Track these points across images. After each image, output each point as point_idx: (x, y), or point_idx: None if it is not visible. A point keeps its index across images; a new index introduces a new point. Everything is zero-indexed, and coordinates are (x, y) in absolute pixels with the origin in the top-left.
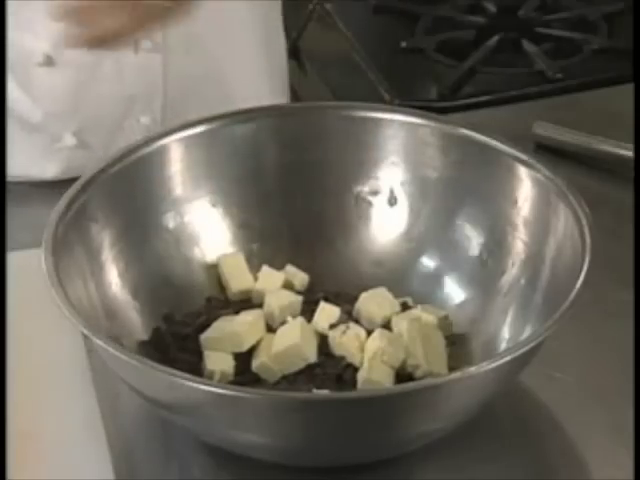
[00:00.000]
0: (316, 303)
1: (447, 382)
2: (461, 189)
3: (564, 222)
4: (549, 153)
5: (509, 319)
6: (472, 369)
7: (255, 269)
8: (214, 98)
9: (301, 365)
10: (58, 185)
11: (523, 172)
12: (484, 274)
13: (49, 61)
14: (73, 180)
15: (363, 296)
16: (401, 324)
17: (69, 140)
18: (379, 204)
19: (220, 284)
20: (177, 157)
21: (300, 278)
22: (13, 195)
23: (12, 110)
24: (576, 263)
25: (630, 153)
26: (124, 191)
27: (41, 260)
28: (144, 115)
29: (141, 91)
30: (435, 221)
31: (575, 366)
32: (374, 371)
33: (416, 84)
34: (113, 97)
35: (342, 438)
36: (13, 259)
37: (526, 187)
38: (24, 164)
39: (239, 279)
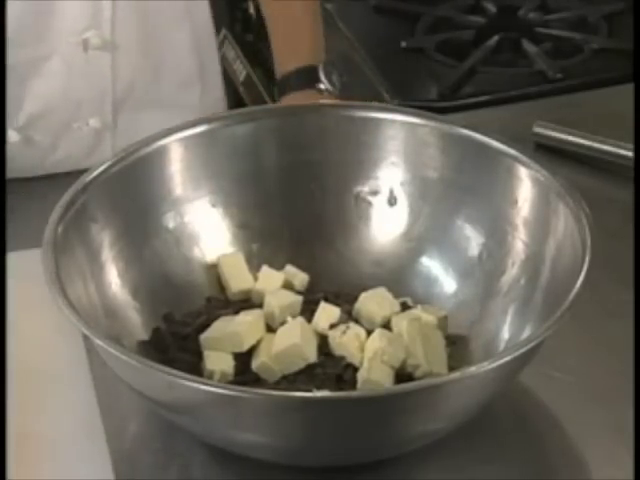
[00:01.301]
0: (316, 303)
1: (447, 382)
2: (461, 189)
3: (564, 222)
4: (549, 153)
5: (509, 319)
6: (472, 369)
7: (255, 269)
8: (163, 99)
9: (301, 365)
10: (58, 185)
11: (523, 172)
12: (484, 274)
13: None
14: (73, 179)
15: (363, 296)
16: (401, 324)
17: (12, 136)
18: (379, 204)
19: (220, 284)
20: (177, 157)
21: (300, 278)
22: (13, 195)
23: None
24: (576, 263)
25: (630, 153)
26: (124, 191)
27: (41, 260)
28: (93, 117)
29: (90, 93)
30: (435, 221)
31: (575, 366)
32: (374, 371)
33: (416, 84)
34: (60, 96)
35: (342, 438)
36: (13, 259)
37: (526, 187)
38: None
39: (239, 279)
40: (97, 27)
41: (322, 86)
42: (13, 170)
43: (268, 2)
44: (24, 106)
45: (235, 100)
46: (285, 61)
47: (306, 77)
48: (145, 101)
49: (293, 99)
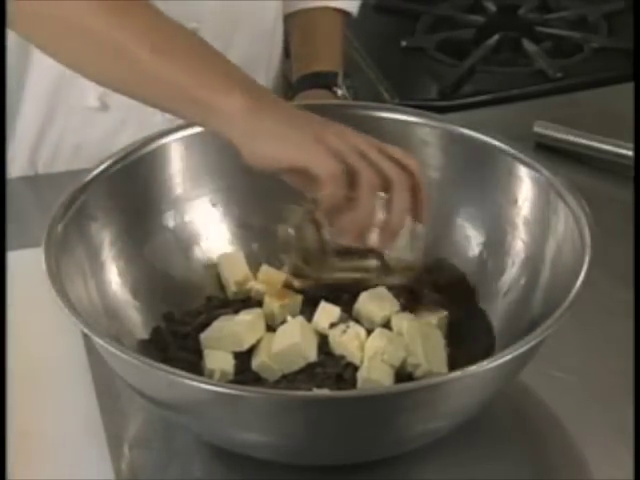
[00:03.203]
0: (316, 302)
1: (447, 381)
2: (461, 188)
3: (564, 222)
4: (549, 152)
5: (509, 318)
6: (472, 368)
7: (255, 268)
8: None
9: (301, 364)
10: (58, 184)
11: (523, 172)
12: (484, 273)
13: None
14: (73, 179)
15: (363, 295)
16: (401, 323)
17: (92, 101)
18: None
19: (220, 283)
20: (177, 157)
21: None
22: (13, 195)
23: None
24: (576, 263)
25: (630, 152)
26: (124, 190)
27: (41, 259)
28: None
29: None
30: (435, 220)
31: (575, 365)
32: (374, 370)
33: (416, 83)
34: None
35: (342, 437)
36: (13, 259)
37: (526, 186)
38: None
39: (239, 278)
40: (197, 20)
41: (339, 91)
42: (90, 135)
43: (292, 11)
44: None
45: None
46: (305, 65)
47: (324, 80)
48: None
49: (307, 96)
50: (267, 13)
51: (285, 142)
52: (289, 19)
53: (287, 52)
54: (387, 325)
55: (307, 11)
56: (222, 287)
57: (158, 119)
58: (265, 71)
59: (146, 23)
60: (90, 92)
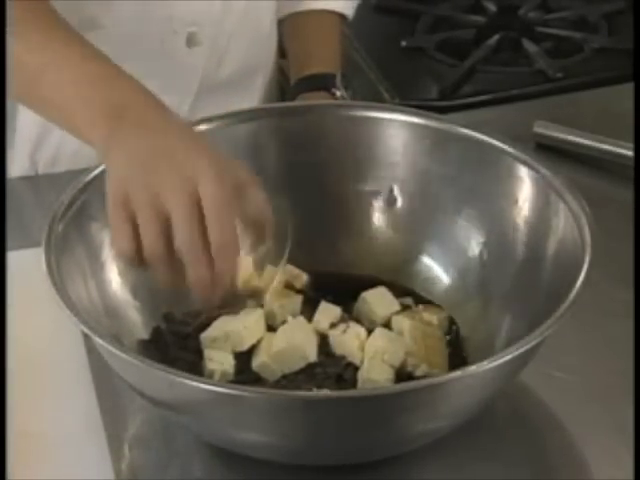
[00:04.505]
0: (316, 302)
1: (447, 381)
2: (461, 189)
3: (564, 222)
4: (549, 152)
5: (509, 318)
6: (472, 368)
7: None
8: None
9: (301, 364)
10: (58, 184)
11: (523, 172)
12: (484, 274)
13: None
14: (73, 179)
15: (363, 295)
16: (402, 323)
17: None
18: (379, 203)
19: None
20: None
21: (300, 278)
22: (13, 195)
23: None
24: (576, 262)
25: (630, 152)
26: None
27: (41, 259)
28: (180, 108)
29: (185, 85)
30: (435, 221)
31: (575, 365)
32: (374, 370)
33: (416, 83)
34: (157, 88)
35: (343, 437)
36: (13, 259)
37: (526, 187)
38: None
39: (239, 278)
40: (203, 24)
41: (338, 93)
42: None
43: (288, 23)
44: None
45: None
46: (303, 67)
47: (322, 81)
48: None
49: (305, 99)
50: (264, 17)
51: (111, 186)
52: (285, 22)
53: (282, 52)
54: (387, 325)
55: (303, 14)
56: None
57: None
58: (262, 74)
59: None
60: None
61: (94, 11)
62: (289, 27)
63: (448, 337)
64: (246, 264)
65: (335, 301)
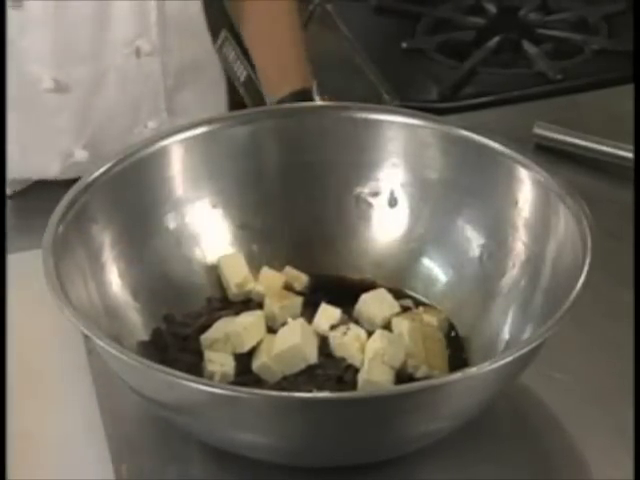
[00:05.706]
0: (316, 304)
1: (448, 383)
2: (461, 190)
3: (564, 223)
4: (549, 154)
5: (510, 320)
6: (473, 370)
7: (255, 270)
8: (208, 85)
9: (302, 366)
10: (59, 185)
11: (523, 173)
12: (484, 275)
13: (58, 86)
14: (74, 181)
15: (363, 297)
16: (402, 325)
17: (80, 155)
18: (379, 205)
19: (220, 285)
20: (178, 158)
21: (300, 279)
22: (14, 195)
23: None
24: (577, 264)
25: (630, 154)
26: (125, 192)
27: (41, 261)
28: (151, 120)
29: (145, 97)
30: (435, 222)
31: (575, 366)
32: (375, 372)
33: (416, 85)
34: (120, 106)
35: (343, 439)
36: (14, 261)
37: (526, 188)
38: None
39: (239, 280)
40: (146, 34)
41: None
42: None
43: (252, 34)
44: (88, 123)
45: (235, 101)
46: (277, 88)
47: (301, 99)
48: (194, 92)
49: None
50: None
51: None
52: (247, 42)
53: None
54: (388, 326)
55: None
56: (222, 288)
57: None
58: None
59: None
60: None
61: None
62: (253, 47)
63: (448, 338)
64: (242, 265)
65: (335, 303)
